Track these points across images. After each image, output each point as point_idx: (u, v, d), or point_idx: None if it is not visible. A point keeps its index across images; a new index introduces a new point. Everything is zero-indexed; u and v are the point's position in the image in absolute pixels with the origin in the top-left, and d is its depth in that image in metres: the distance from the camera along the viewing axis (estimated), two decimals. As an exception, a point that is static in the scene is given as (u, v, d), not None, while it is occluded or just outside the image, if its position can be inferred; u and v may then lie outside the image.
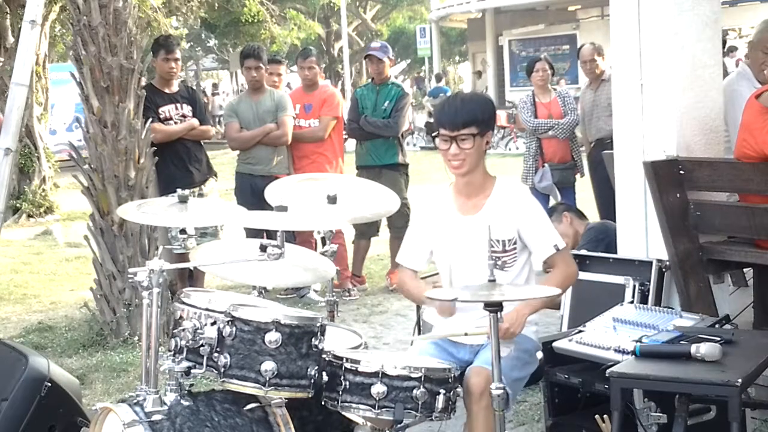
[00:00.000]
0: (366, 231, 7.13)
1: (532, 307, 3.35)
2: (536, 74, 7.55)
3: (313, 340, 3.03)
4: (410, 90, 20.56)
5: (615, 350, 3.30)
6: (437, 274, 3.75)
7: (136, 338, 5.74)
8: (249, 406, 3.01)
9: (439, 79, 25.19)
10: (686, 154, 4.14)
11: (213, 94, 22.61)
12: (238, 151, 7.08)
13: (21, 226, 11.74)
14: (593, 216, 6.88)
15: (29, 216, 12.13)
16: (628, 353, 3.19)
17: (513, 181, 3.62)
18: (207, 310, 3.03)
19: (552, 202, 7.22)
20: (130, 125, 5.94)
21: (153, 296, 2.94)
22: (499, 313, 2.94)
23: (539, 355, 3.50)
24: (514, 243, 3.42)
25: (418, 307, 4.67)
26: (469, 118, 3.36)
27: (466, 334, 3.37)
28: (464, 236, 3.44)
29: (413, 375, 3.01)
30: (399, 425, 3.03)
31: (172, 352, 3.05)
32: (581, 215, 5.66)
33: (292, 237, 6.03)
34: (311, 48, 8.19)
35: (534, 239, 3.43)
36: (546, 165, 7.40)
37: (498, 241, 3.36)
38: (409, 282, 3.61)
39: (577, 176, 7.60)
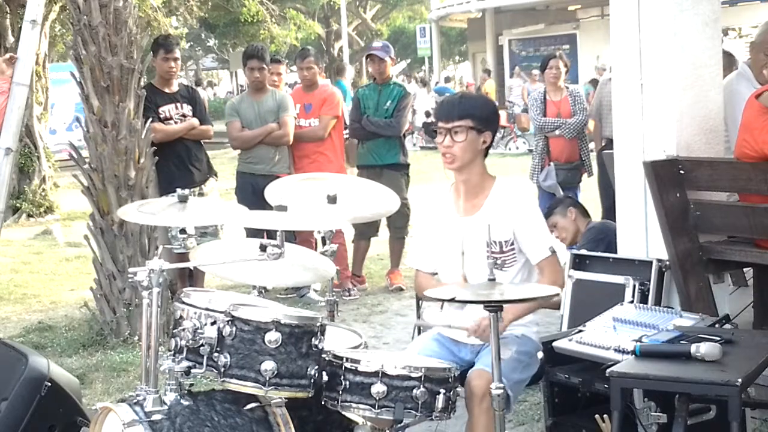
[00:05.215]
0: (366, 231, 7.13)
1: (513, 313, 3.35)
2: (549, 71, 7.48)
3: (313, 339, 3.03)
4: (416, 89, 20.62)
5: (615, 350, 3.29)
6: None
7: (136, 338, 5.74)
8: (249, 406, 3.01)
9: (447, 80, 25.46)
10: (686, 154, 4.14)
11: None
12: (239, 151, 7.10)
13: (21, 226, 11.71)
14: (596, 216, 6.87)
15: (29, 216, 12.11)
16: (628, 353, 3.19)
17: (513, 181, 3.61)
18: (207, 309, 3.03)
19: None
20: (130, 125, 5.94)
21: (153, 296, 2.94)
22: (498, 312, 2.94)
23: (539, 355, 3.50)
24: (512, 244, 3.43)
25: (418, 307, 4.67)
26: (464, 112, 3.40)
27: (450, 327, 3.43)
28: (464, 237, 3.45)
29: (413, 375, 3.01)
30: (399, 425, 3.02)
31: (172, 352, 3.05)
32: (585, 213, 5.65)
33: (293, 237, 6.03)
34: (309, 48, 8.19)
35: (528, 241, 3.44)
36: (552, 164, 7.39)
37: (495, 242, 3.37)
38: (425, 283, 3.58)
39: (584, 176, 7.54)
